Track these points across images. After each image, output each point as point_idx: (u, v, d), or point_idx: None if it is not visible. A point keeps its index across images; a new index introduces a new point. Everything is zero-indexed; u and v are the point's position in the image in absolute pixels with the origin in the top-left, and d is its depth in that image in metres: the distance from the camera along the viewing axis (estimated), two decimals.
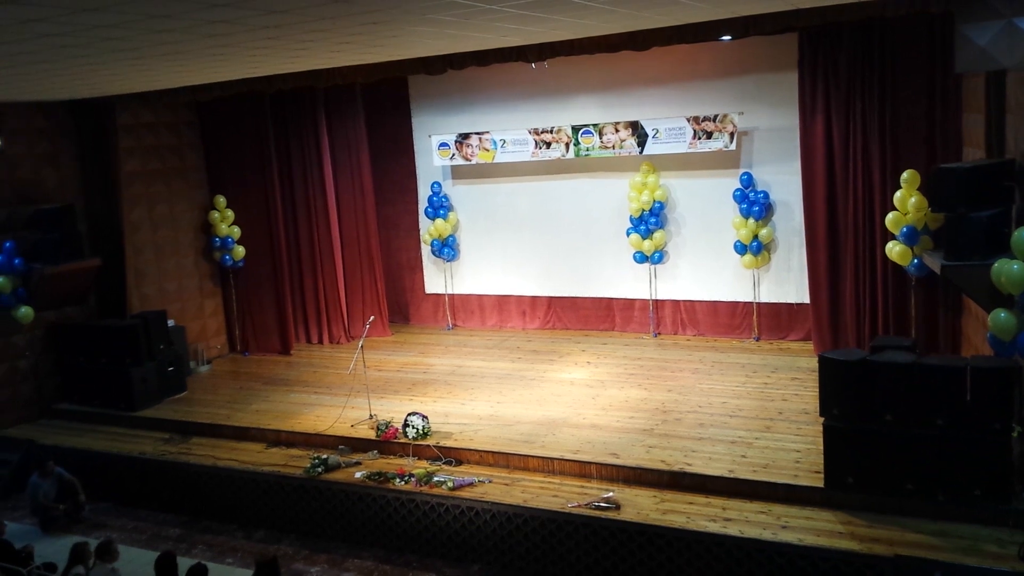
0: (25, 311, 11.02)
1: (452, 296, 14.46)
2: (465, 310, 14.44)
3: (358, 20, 6.51)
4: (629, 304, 13.20)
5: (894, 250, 9.65)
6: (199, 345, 13.34)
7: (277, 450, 9.84)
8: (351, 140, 13.88)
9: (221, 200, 13.52)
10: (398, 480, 8.59)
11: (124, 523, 9.69)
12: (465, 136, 13.40)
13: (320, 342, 14.09)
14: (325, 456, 9.23)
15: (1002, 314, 6.66)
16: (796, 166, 11.17)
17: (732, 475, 7.88)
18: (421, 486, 8.46)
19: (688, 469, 8.07)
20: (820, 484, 7.47)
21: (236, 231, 13.56)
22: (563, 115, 12.80)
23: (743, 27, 8.42)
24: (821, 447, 7.49)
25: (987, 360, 7.08)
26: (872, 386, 7.16)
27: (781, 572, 6.94)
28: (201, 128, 13.65)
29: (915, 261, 9.57)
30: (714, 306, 12.57)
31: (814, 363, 8.44)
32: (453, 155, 13.57)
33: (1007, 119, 7.79)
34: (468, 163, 13.56)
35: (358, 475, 8.83)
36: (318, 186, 13.75)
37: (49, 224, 11.42)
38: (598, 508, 7.70)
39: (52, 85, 9.45)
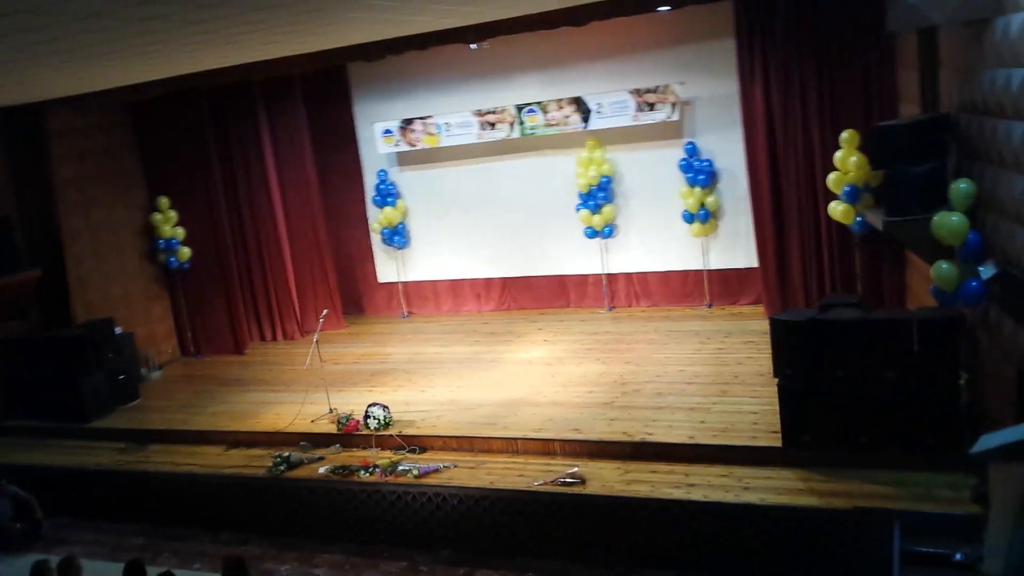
0: None
1: (405, 284, 14.39)
2: (419, 297, 14.39)
3: (292, 9, 6.41)
4: (582, 280, 13.27)
5: (837, 209, 9.83)
6: (149, 351, 13.10)
7: (237, 451, 9.74)
8: (293, 132, 13.69)
9: (164, 201, 13.26)
10: (363, 472, 8.56)
11: (85, 537, 9.52)
12: (408, 122, 13.30)
13: (274, 339, 13.94)
14: (287, 454, 9.15)
15: (944, 265, 6.85)
16: (739, 133, 11.28)
17: (693, 441, 8.00)
18: (386, 476, 8.44)
19: (649, 439, 8.17)
20: (778, 444, 7.61)
21: (180, 232, 13.32)
22: (506, 95, 12.75)
23: None
24: (777, 408, 7.62)
25: (932, 311, 7.27)
26: (822, 344, 7.30)
27: (745, 533, 7.09)
28: (136, 129, 13.33)
29: (858, 219, 9.76)
30: (666, 276, 12.69)
31: (766, 326, 8.57)
32: (397, 141, 13.46)
33: (940, 74, 7.95)
34: (413, 149, 13.46)
35: (322, 470, 8.78)
36: (261, 181, 13.55)
37: None
38: (564, 484, 7.77)
39: None
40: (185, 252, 13.34)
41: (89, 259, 12.62)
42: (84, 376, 11.15)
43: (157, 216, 13.21)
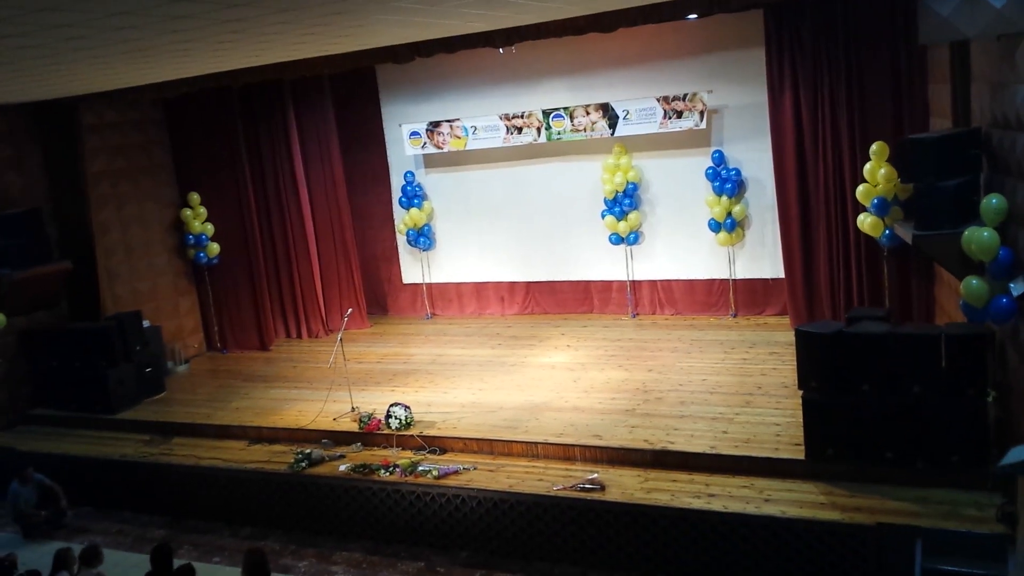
0: None
1: (430, 285, 14.42)
2: (443, 299, 14.41)
3: (320, 11, 6.43)
4: (606, 286, 13.23)
5: (865, 222, 9.72)
6: (176, 344, 13.22)
7: (260, 447, 9.79)
8: (321, 132, 13.76)
9: (195, 197, 13.38)
10: (383, 471, 8.58)
11: (107, 527, 9.62)
12: (436, 124, 13.33)
13: (299, 337, 14.02)
14: (308, 451, 9.18)
15: (974, 281, 6.74)
16: (766, 142, 11.21)
17: (714, 451, 7.94)
18: (406, 476, 8.45)
19: (671, 447, 8.12)
20: (801, 456, 7.54)
21: (209, 228, 13.43)
22: (533, 99, 12.76)
23: (708, 5, 8.42)
24: (801, 420, 7.55)
25: (960, 327, 7.17)
26: (848, 357, 7.23)
27: (765, 545, 7.02)
28: (168, 125, 13.48)
29: (887, 232, 9.65)
30: (691, 284, 12.63)
31: (791, 337, 8.50)
32: (424, 143, 13.49)
33: (972, 88, 7.85)
34: (440, 151, 13.49)
35: (342, 468, 8.80)
36: (290, 179, 13.64)
37: (15, 229, 11.23)
38: (583, 490, 7.75)
39: (11, 88, 9.27)
40: (214, 248, 13.45)
41: (119, 252, 12.76)
42: (111, 368, 11.27)
43: (187, 212, 13.34)
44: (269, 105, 13.40)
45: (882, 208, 9.51)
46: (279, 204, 13.70)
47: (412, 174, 14.04)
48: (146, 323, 12.22)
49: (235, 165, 13.31)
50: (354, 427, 9.58)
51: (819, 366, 7.36)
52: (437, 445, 9.03)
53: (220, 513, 9.36)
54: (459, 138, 13.24)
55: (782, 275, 11.57)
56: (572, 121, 12.41)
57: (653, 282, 12.90)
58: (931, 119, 9.60)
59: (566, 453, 8.49)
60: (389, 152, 14.26)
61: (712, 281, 12.48)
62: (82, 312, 12.30)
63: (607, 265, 13.08)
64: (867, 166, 9.66)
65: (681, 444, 8.17)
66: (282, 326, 14.10)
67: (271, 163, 13.61)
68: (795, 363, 7.63)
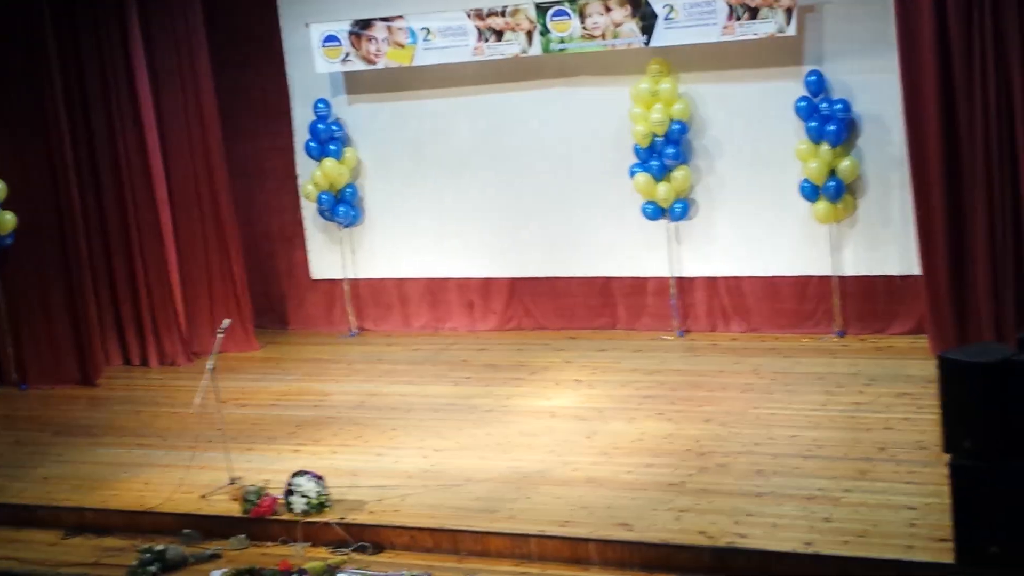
0: None
1: (355, 283, 14.44)
2: (377, 305, 14.44)
3: None
4: (638, 286, 13.29)
5: None
6: None
7: (81, 540, 9.71)
8: (180, 35, 13.74)
9: None
10: None
11: None
12: (365, 24, 13.33)
13: (143, 364, 14.00)
14: (161, 547, 9.13)
15: None
16: (892, 60, 11.27)
17: (811, 550, 7.96)
18: None
19: (741, 543, 8.14)
20: (949, 559, 7.58)
21: (0, 188, 13.33)
22: None
23: None
24: (947, 501, 7.59)
25: None
26: (1022, 402, 7.28)
27: None
28: None
29: None
30: (772, 285, 12.71)
31: (931, 368, 8.53)
32: (347, 55, 13.49)
33: None
34: (372, 68, 13.51)
35: (216, 575, 8.75)
36: (130, 114, 13.60)
37: None
38: None
39: None
40: (7, 220, 13.33)
41: None
42: None
43: None
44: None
45: None
46: (112, 152, 13.65)
47: (327, 104, 14.02)
48: None
49: (41, 91, 13.21)
50: (235, 509, 9.52)
51: (977, 415, 7.39)
52: (368, 539, 8.99)
53: None
54: (402, 47, 13.23)
55: (917, 271, 11.65)
56: (583, 21, 12.43)
57: (712, 280, 12.96)
58: None
59: (575, 552, 8.47)
60: (289, 70, 14.26)
61: (806, 280, 12.55)
62: None
63: (639, 252, 13.13)
64: None
65: (758, 538, 8.16)
66: (117, 347, 14.07)
67: (99, 89, 13.55)
68: (938, 411, 7.67)
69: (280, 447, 10.82)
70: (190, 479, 10.08)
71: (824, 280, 12.45)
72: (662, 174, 12.60)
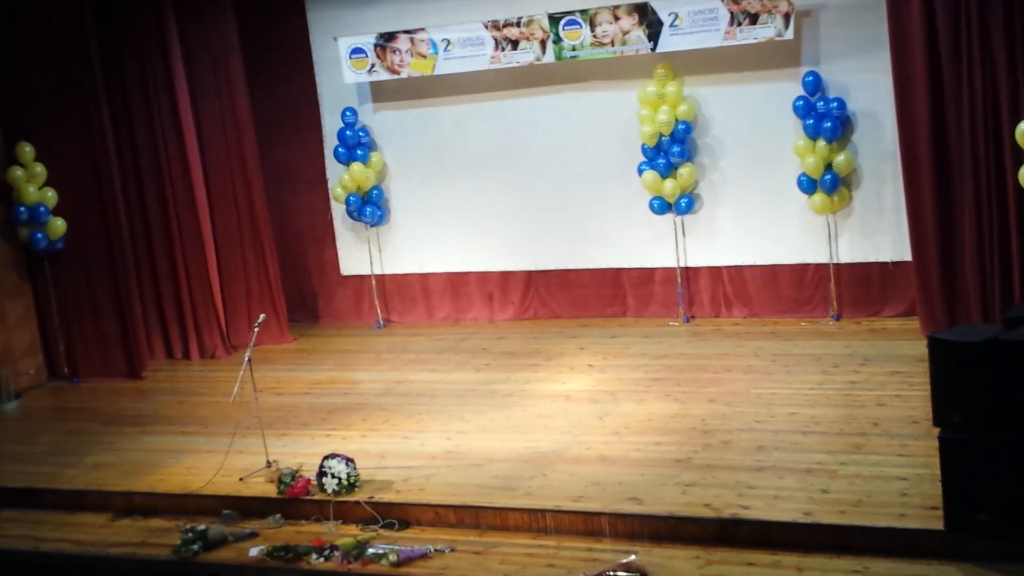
0: None
1: (382, 278, 14.46)
2: (402, 298, 14.47)
3: None
4: (646, 276, 13.31)
5: None
6: (2, 371, 13.21)
7: (130, 521, 9.76)
8: (216, 52, 13.78)
9: (27, 149, 13.33)
10: (315, 556, 8.57)
11: None
12: (389, 37, 13.34)
13: (186, 358, 14.05)
14: (203, 527, 9.16)
15: None
16: (884, 60, 11.25)
17: (809, 519, 7.94)
18: (350, 563, 8.44)
19: (744, 514, 8.13)
20: (939, 526, 7.55)
21: (51, 196, 13.39)
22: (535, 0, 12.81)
23: None
24: (938, 472, 7.56)
25: None
26: (1009, 378, 7.23)
27: None
28: None
29: None
30: (772, 272, 12.72)
31: (922, 349, 8.50)
32: (373, 66, 13.52)
33: None
34: (396, 77, 13.53)
35: (254, 552, 8.78)
36: (171, 123, 13.63)
37: None
38: None
39: None
40: (58, 225, 13.41)
41: None
42: None
43: (15, 171, 13.30)
44: (138, 15, 13.39)
45: None
46: (154, 159, 13.68)
47: (354, 112, 14.04)
48: None
49: (86, 103, 13.26)
50: (271, 491, 9.56)
51: (965, 392, 7.34)
52: (395, 516, 9.01)
53: None
54: (424, 57, 13.25)
55: (908, 257, 11.63)
56: (594, 30, 12.44)
57: (715, 269, 12.97)
58: None
59: (589, 526, 8.47)
60: (319, 80, 14.30)
61: (804, 267, 12.57)
62: None
63: (647, 245, 13.16)
64: None
65: (760, 510, 8.15)
66: (161, 342, 14.11)
67: (142, 100, 13.58)
68: (928, 388, 7.64)
69: (313, 432, 10.87)
70: (229, 463, 10.10)
71: (821, 267, 12.47)
72: (668, 171, 12.61)
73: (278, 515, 9.36)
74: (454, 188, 13.89)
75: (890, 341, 11.56)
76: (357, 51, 13.55)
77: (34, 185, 13.36)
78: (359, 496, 9.23)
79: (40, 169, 13.41)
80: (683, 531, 8.19)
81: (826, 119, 11.84)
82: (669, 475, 8.96)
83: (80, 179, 13.48)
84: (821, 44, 12.02)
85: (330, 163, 14.33)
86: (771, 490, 8.48)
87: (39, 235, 13.42)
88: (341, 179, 14.07)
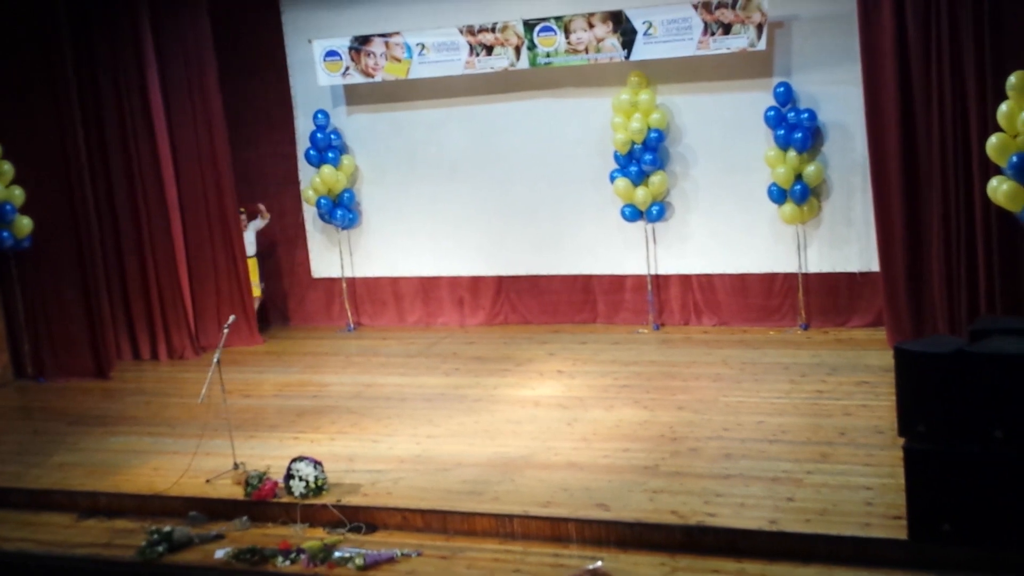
0: None
1: (352, 281, 14.46)
2: (373, 301, 14.48)
3: None
4: (617, 283, 13.36)
5: (1000, 189, 9.83)
6: None
7: (95, 522, 9.71)
8: (189, 51, 13.75)
9: None
10: (281, 559, 8.54)
11: None
12: (364, 40, 13.34)
13: (153, 358, 14.02)
14: (169, 528, 9.13)
15: None
16: (855, 72, 11.34)
17: (775, 527, 7.98)
18: (316, 566, 8.42)
19: (711, 522, 8.16)
20: (903, 535, 7.60)
21: (18, 194, 13.30)
22: (510, 5, 12.82)
23: None
24: (902, 482, 7.61)
25: None
26: (973, 389, 7.29)
27: None
28: None
29: None
30: (741, 281, 12.79)
31: (888, 359, 8.56)
32: (347, 69, 13.51)
33: None
34: (370, 80, 13.53)
35: (220, 554, 8.75)
36: (142, 120, 13.61)
37: None
38: None
39: None
40: (24, 224, 13.31)
41: None
42: None
43: None
44: (112, 11, 13.34)
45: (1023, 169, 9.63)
46: (125, 159, 13.65)
47: (326, 115, 14.05)
48: None
49: (57, 100, 13.19)
50: (238, 493, 9.52)
51: (930, 402, 7.40)
52: (363, 520, 9.00)
53: None
54: (398, 61, 13.25)
55: (876, 268, 11.73)
56: (568, 37, 12.47)
57: (686, 277, 13.03)
58: None
59: (556, 531, 8.48)
60: (293, 82, 14.31)
61: (773, 276, 12.65)
62: None
63: (618, 252, 13.21)
64: (1003, 107, 9.76)
65: (726, 517, 8.19)
66: (128, 342, 14.07)
67: (113, 98, 13.56)
68: (894, 398, 7.69)
69: (281, 435, 10.84)
70: (196, 465, 10.06)
71: (790, 277, 12.54)
72: (640, 179, 12.66)
73: (245, 517, 9.33)
74: (426, 192, 13.90)
75: (857, 351, 11.63)
76: (332, 54, 13.54)
77: (0, 183, 13.26)
78: (326, 499, 9.21)
79: (7, 167, 13.31)
80: (649, 538, 8.21)
81: (797, 130, 11.93)
82: (637, 482, 8.98)
83: (48, 177, 13.39)
84: (793, 55, 12.10)
85: (302, 165, 14.33)
86: (738, 498, 8.52)
87: (5, 233, 13.30)
88: (312, 181, 14.06)
